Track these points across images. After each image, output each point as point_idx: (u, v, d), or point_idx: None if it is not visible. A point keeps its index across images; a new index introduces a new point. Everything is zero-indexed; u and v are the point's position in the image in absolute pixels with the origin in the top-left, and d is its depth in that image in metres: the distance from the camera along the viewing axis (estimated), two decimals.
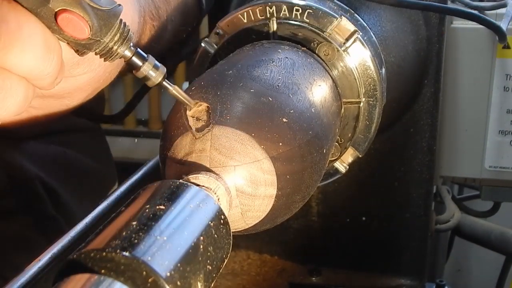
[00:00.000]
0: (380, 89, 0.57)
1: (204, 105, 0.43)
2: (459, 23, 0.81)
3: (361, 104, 0.56)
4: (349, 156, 0.58)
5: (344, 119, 0.56)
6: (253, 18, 0.56)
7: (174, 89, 0.43)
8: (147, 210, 0.35)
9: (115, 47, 0.41)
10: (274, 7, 0.56)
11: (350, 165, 0.59)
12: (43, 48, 0.40)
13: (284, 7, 0.56)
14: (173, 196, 0.36)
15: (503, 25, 0.72)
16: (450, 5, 0.76)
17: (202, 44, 0.59)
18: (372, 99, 0.57)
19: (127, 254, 0.31)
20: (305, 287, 0.79)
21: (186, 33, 0.77)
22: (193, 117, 0.43)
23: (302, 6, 0.55)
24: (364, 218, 0.78)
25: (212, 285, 0.36)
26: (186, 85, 0.47)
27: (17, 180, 0.78)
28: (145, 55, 0.42)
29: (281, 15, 0.56)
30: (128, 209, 0.35)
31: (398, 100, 0.70)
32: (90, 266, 0.31)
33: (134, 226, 0.33)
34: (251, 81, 0.45)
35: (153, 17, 0.62)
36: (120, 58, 0.42)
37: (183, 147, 0.42)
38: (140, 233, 0.33)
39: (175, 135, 0.43)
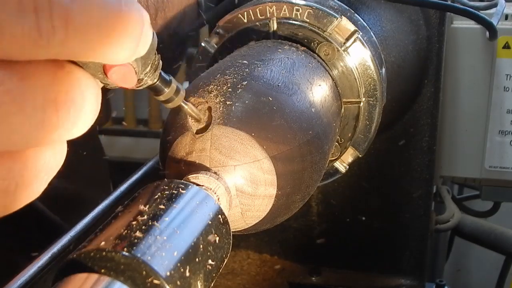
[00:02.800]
0: (380, 89, 0.57)
1: (204, 105, 0.43)
2: (459, 23, 0.81)
3: (361, 104, 0.56)
4: (349, 156, 0.58)
5: (344, 119, 0.56)
6: (253, 18, 0.56)
7: (188, 107, 0.42)
8: (147, 210, 0.35)
9: (145, 79, 0.38)
10: (274, 7, 0.56)
11: (350, 165, 0.59)
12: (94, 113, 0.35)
13: (284, 6, 0.56)
14: (173, 195, 0.36)
15: (494, 21, 0.72)
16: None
17: (202, 44, 0.59)
18: (372, 99, 0.57)
19: (127, 253, 0.31)
20: (304, 287, 0.79)
21: (184, 37, 0.77)
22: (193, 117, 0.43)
23: (302, 6, 0.55)
24: (364, 218, 0.78)
25: (212, 284, 0.36)
26: (186, 84, 0.47)
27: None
28: (168, 78, 0.40)
29: (281, 14, 0.56)
30: (128, 209, 0.35)
31: (398, 100, 0.70)
32: (90, 266, 0.31)
33: (134, 225, 0.33)
34: (251, 80, 0.45)
35: (140, 3, 0.62)
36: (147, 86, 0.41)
37: (183, 147, 0.42)
38: (140, 233, 0.32)
39: (175, 134, 0.43)
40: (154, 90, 0.40)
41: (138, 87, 0.38)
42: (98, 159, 1.00)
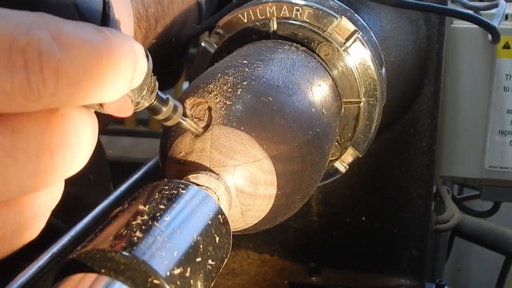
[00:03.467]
0: (380, 89, 0.57)
1: (204, 105, 0.43)
2: (459, 23, 0.81)
3: (361, 104, 0.56)
4: (349, 156, 0.58)
5: (344, 119, 0.56)
6: (253, 18, 0.56)
7: (187, 123, 0.42)
8: (147, 210, 0.35)
9: (142, 101, 0.38)
10: (274, 7, 0.56)
11: (350, 165, 0.59)
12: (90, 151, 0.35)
13: (284, 6, 0.56)
14: (173, 195, 0.36)
15: (495, 23, 0.72)
16: (449, 5, 0.76)
17: (202, 44, 0.59)
18: (372, 99, 0.57)
19: (127, 253, 0.31)
20: (304, 286, 0.79)
21: (186, 38, 0.77)
22: (193, 116, 0.43)
23: (302, 6, 0.55)
24: (364, 218, 0.78)
25: (212, 284, 0.36)
26: (186, 84, 0.47)
27: None
28: (165, 97, 0.40)
29: (281, 14, 0.56)
30: (128, 209, 0.35)
31: (398, 100, 0.70)
32: (90, 266, 0.31)
33: (134, 225, 0.33)
34: (251, 80, 0.45)
35: (140, 16, 0.62)
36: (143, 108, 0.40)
37: (183, 147, 0.42)
38: (140, 233, 0.32)
39: (175, 134, 0.43)
40: (151, 110, 0.39)
41: (135, 110, 0.38)
42: (101, 160, 1.00)
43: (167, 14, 0.70)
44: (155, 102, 0.39)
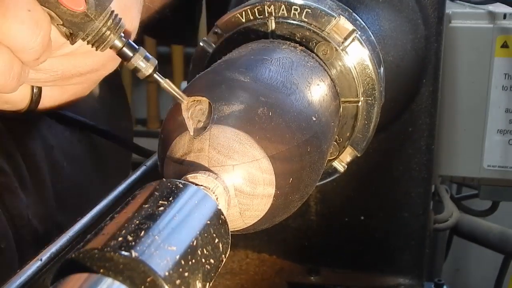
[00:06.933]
0: (378, 88, 0.57)
1: (202, 104, 0.43)
2: (457, 22, 0.81)
3: (360, 103, 0.56)
4: (347, 155, 0.58)
5: (342, 118, 0.56)
6: (251, 17, 0.56)
7: (165, 83, 0.43)
8: (145, 210, 0.35)
9: (107, 33, 0.42)
10: (272, 6, 0.56)
11: (349, 164, 0.59)
12: (30, 21, 0.40)
13: (283, 6, 0.56)
14: (171, 195, 0.36)
15: None
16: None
17: (201, 43, 0.59)
18: (370, 98, 0.57)
19: (125, 253, 0.31)
20: (303, 286, 0.79)
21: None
22: (191, 116, 0.43)
23: (300, 5, 0.55)
24: (362, 218, 0.78)
25: (211, 284, 0.36)
26: (184, 84, 0.47)
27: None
28: (136, 46, 0.43)
29: (279, 14, 0.56)
30: (126, 209, 0.35)
31: (397, 99, 0.70)
32: (89, 266, 0.31)
33: (133, 225, 0.33)
34: (249, 80, 0.45)
35: None
36: (110, 47, 0.42)
37: (181, 147, 0.42)
38: (139, 233, 0.32)
39: (174, 134, 0.43)
40: (121, 55, 0.42)
41: (101, 46, 0.42)
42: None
43: None
44: (123, 47, 0.42)
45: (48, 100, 0.55)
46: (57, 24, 0.43)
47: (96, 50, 0.43)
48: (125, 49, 0.42)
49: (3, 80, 0.42)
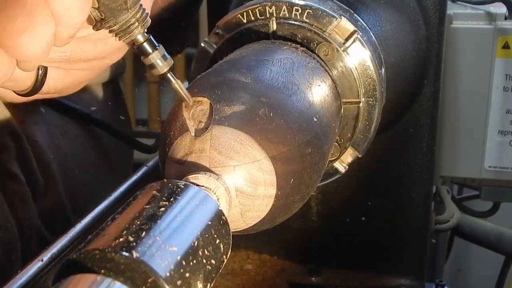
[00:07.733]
0: (379, 89, 0.57)
1: (204, 105, 0.43)
2: (459, 23, 0.81)
3: (361, 104, 0.56)
4: (348, 156, 0.58)
5: (343, 119, 0.56)
6: (252, 18, 0.56)
7: (176, 83, 0.43)
8: (146, 210, 0.35)
9: (133, 26, 0.42)
10: (273, 7, 0.56)
11: (350, 165, 0.59)
12: None
13: (284, 7, 0.56)
14: (172, 196, 0.36)
15: None
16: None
17: (202, 44, 0.59)
18: (371, 99, 0.57)
19: (126, 254, 0.31)
20: (304, 287, 0.79)
21: (189, 14, 0.78)
22: (192, 117, 0.43)
23: (301, 6, 0.55)
24: (363, 218, 0.78)
25: (212, 285, 0.36)
26: (185, 85, 0.47)
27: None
28: (157, 44, 0.43)
29: (280, 15, 0.56)
30: (127, 209, 0.35)
31: (398, 100, 0.70)
32: (90, 266, 0.31)
33: (134, 226, 0.33)
34: (250, 81, 0.45)
35: None
36: (133, 40, 0.43)
37: (182, 147, 0.42)
38: (140, 233, 0.33)
39: (175, 135, 0.43)
40: (140, 50, 0.43)
41: (124, 37, 0.42)
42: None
43: None
44: (144, 42, 0.42)
45: (52, 81, 0.54)
46: (92, 7, 0.42)
47: (119, 40, 0.43)
48: (146, 45, 0.43)
49: (43, 53, 0.42)
